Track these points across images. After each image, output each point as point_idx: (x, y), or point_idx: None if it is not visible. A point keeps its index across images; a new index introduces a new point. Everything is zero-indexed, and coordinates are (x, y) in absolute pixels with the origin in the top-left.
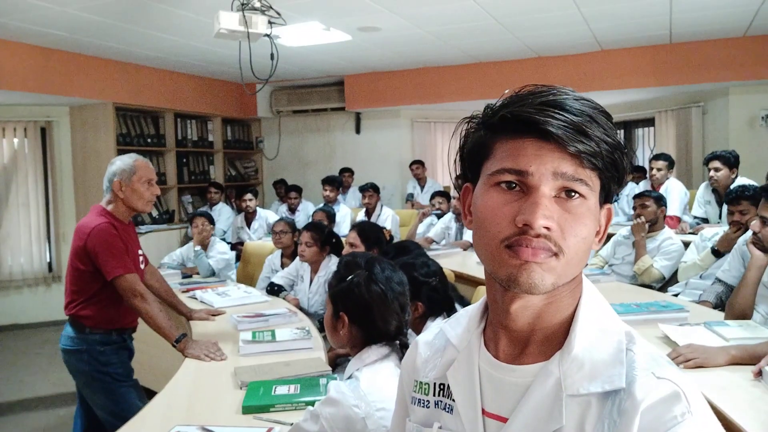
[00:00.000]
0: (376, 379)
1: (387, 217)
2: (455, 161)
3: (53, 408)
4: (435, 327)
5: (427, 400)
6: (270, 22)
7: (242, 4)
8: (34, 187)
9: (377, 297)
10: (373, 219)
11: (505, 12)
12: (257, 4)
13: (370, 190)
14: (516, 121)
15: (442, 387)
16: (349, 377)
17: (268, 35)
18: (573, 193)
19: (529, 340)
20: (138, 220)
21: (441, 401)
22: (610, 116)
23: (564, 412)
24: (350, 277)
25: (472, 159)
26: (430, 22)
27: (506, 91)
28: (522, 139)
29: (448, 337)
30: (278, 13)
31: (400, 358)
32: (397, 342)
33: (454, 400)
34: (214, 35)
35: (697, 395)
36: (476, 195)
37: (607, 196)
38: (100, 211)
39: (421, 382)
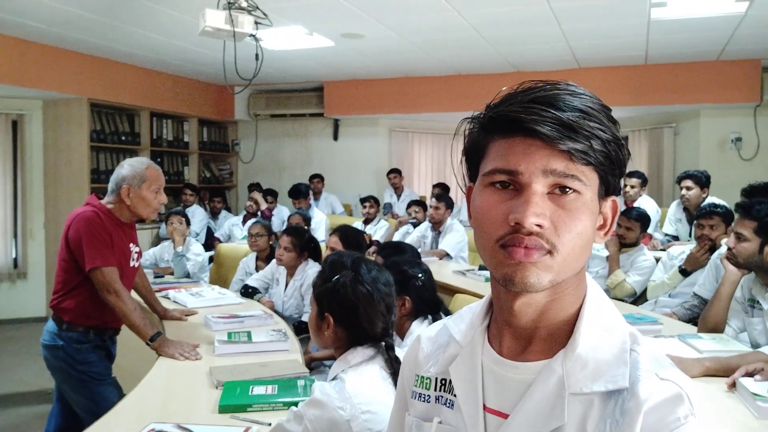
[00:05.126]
0: (361, 381)
1: (382, 228)
2: (461, 162)
3: (14, 407)
4: (437, 324)
5: (428, 395)
6: (256, 23)
7: (229, 3)
8: (2, 181)
9: (363, 297)
10: (368, 228)
11: (487, 25)
12: (244, 4)
13: (371, 200)
14: (505, 121)
15: (443, 382)
16: (334, 378)
17: (253, 35)
18: (567, 189)
19: (533, 338)
20: None
21: (442, 396)
22: (607, 109)
23: (566, 409)
24: (336, 277)
25: (471, 159)
26: (414, 31)
27: (503, 89)
28: (512, 138)
29: (451, 333)
30: (264, 14)
31: (386, 360)
32: (383, 343)
33: (455, 396)
34: (198, 33)
35: (699, 398)
36: (473, 195)
37: (608, 188)
38: (95, 203)
39: (422, 377)
